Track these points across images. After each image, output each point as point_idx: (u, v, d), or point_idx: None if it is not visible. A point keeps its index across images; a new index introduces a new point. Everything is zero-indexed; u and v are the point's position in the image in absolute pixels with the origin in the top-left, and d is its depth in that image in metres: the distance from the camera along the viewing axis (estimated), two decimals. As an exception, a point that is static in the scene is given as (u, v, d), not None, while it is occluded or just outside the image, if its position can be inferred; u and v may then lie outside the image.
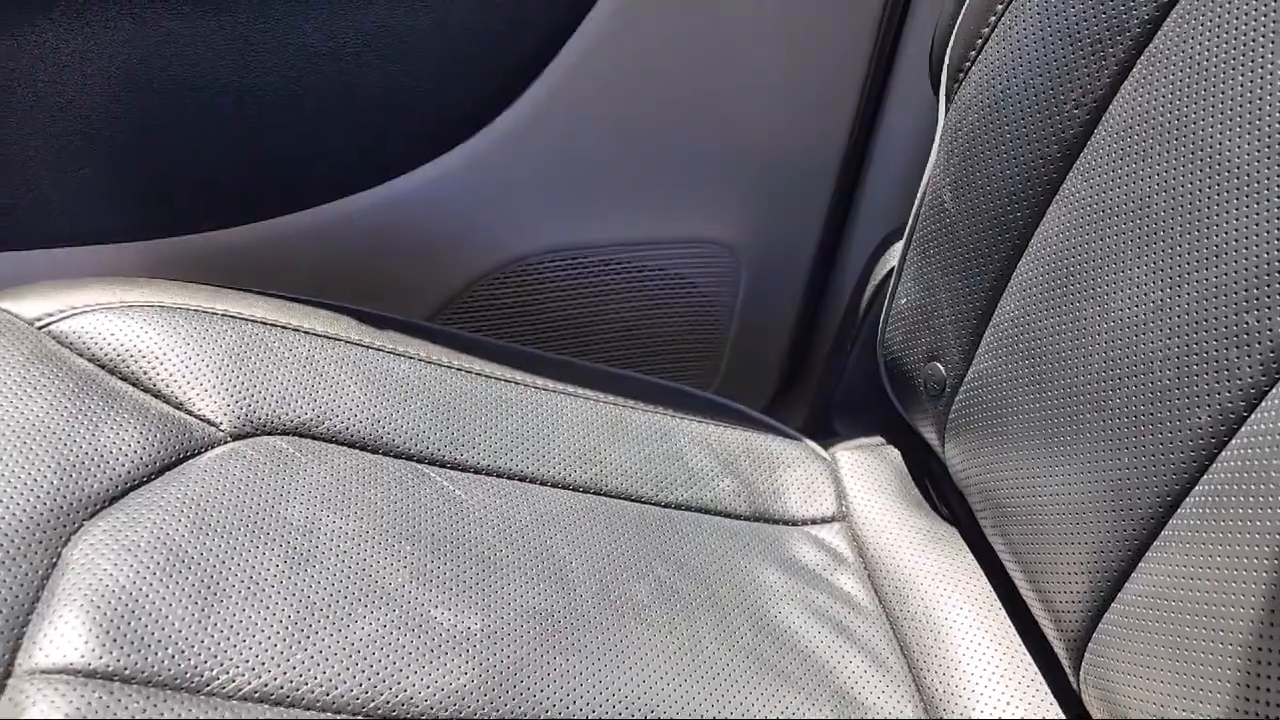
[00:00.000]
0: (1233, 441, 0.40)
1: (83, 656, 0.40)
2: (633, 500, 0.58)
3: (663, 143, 0.88)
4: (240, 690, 0.41)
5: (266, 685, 0.41)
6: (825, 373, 0.82)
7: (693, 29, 0.79)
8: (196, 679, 0.41)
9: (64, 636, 0.40)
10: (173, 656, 0.41)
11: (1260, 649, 0.36)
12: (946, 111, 0.58)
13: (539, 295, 0.94)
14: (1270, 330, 0.39)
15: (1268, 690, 0.36)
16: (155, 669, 0.40)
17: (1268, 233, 0.39)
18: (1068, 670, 0.49)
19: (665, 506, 0.59)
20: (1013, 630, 0.54)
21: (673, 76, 0.82)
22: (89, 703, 0.38)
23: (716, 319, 1.01)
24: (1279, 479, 0.37)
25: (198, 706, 0.40)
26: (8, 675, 0.39)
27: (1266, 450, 0.38)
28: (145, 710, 0.39)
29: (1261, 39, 0.41)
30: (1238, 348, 0.40)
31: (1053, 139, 0.51)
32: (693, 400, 0.67)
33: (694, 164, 0.91)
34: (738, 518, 0.60)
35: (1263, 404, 0.39)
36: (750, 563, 0.57)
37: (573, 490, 0.57)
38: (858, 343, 0.68)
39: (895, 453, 0.66)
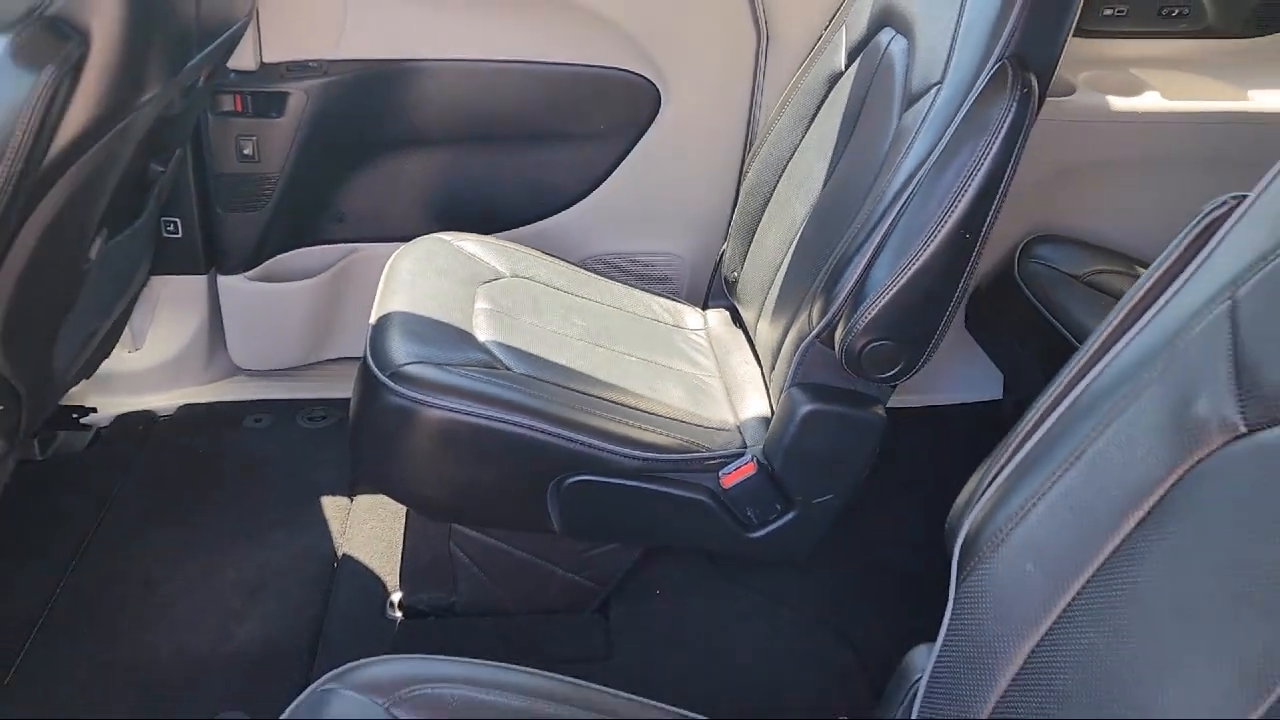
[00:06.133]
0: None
1: (488, 306, 1.55)
2: (631, 315, 1.73)
3: (652, 206, 2.07)
4: (546, 329, 1.56)
5: (555, 331, 1.56)
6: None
7: (662, 156, 1.99)
8: (538, 330, 1.56)
9: (482, 306, 1.56)
10: (515, 319, 1.56)
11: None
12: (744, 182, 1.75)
13: (592, 278, 2.12)
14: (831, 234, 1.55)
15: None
16: (514, 316, 1.55)
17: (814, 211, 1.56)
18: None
19: (640, 317, 1.74)
20: (757, 369, 1.69)
21: (648, 177, 2.02)
22: (491, 321, 1.53)
23: (674, 292, 2.17)
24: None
25: (542, 336, 1.55)
26: (474, 307, 1.54)
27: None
28: (518, 328, 1.53)
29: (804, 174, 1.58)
30: (833, 239, 1.56)
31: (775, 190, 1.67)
32: (653, 291, 1.82)
33: (667, 214, 2.10)
34: (667, 325, 1.75)
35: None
36: (669, 337, 1.72)
37: (610, 307, 1.72)
38: (717, 272, 1.84)
39: (727, 313, 1.82)
